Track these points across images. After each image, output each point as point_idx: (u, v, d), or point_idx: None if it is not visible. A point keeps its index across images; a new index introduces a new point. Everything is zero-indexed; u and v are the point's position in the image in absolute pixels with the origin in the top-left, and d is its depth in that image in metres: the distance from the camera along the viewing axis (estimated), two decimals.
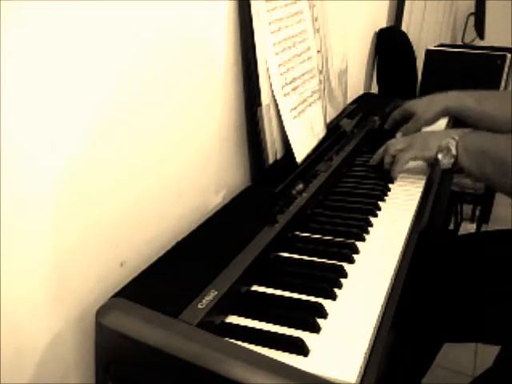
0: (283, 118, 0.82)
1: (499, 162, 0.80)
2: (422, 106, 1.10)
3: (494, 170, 0.81)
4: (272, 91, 0.80)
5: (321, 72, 0.98)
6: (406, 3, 1.86)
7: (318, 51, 1.01)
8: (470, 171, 0.86)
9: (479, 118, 1.05)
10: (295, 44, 0.88)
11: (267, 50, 0.78)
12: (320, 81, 0.97)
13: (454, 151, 0.85)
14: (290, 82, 0.85)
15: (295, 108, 0.86)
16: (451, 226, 1.86)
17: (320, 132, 0.91)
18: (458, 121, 1.11)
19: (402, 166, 0.93)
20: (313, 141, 0.88)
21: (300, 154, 0.85)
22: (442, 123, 1.17)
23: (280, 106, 0.81)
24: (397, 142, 0.96)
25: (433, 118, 1.08)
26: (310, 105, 0.90)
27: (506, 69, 1.78)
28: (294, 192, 0.78)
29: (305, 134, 0.87)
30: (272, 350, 0.51)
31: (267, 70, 0.78)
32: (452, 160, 0.86)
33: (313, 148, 0.89)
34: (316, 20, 0.97)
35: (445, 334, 1.02)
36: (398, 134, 1.09)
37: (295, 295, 0.60)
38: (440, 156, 0.87)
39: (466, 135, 0.87)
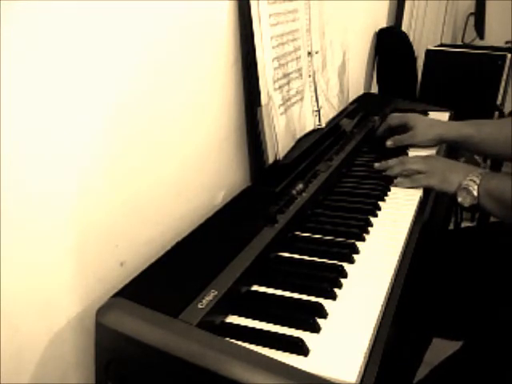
0: (273, 112, 0.81)
1: None
2: (422, 125, 1.11)
3: None
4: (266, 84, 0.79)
5: (310, 76, 0.98)
6: (406, 3, 1.86)
7: (316, 52, 1.00)
8: (495, 215, 0.87)
9: (480, 145, 1.09)
10: (288, 41, 0.88)
11: (265, 42, 0.78)
12: (306, 82, 0.96)
13: (475, 193, 0.86)
14: (281, 78, 0.85)
15: (283, 104, 0.85)
16: (451, 226, 1.86)
17: (297, 134, 0.90)
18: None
19: (413, 185, 0.92)
20: (291, 141, 0.88)
21: (282, 151, 0.84)
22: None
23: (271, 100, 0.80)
24: (414, 162, 0.95)
25: (428, 142, 1.11)
26: (293, 104, 0.90)
27: (506, 69, 1.78)
28: (294, 192, 0.78)
29: (288, 132, 0.86)
30: (272, 350, 0.51)
31: (264, 65, 0.78)
32: (473, 202, 0.86)
33: (291, 147, 0.88)
34: (310, 21, 0.97)
35: (442, 332, 1.02)
36: (389, 142, 1.10)
37: (295, 295, 0.60)
38: (460, 197, 0.87)
39: (488, 179, 0.86)
